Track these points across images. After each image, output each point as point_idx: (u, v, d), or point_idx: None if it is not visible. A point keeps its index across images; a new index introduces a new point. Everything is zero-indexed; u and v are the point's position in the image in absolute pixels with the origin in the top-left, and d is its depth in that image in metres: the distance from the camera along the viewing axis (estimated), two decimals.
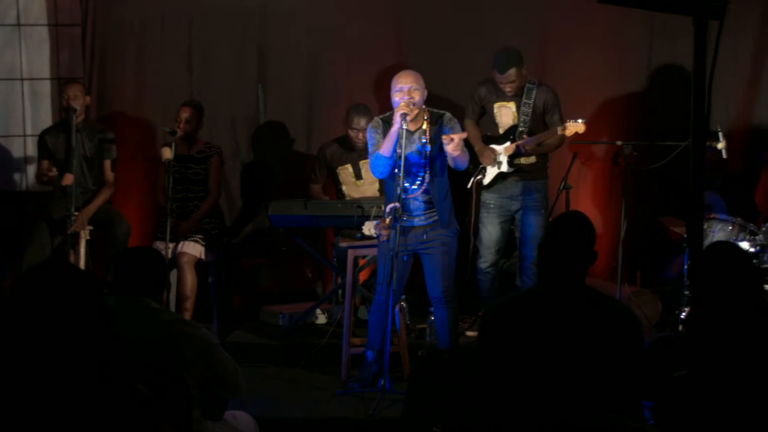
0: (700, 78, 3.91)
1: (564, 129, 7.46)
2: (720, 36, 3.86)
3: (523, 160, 7.70)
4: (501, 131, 7.74)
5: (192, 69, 8.60)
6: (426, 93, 6.62)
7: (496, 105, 7.75)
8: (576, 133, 7.47)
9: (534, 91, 7.64)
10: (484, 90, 7.79)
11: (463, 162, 6.65)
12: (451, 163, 6.62)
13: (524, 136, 7.60)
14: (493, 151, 7.69)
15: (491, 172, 7.72)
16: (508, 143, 7.66)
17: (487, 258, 7.86)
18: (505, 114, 7.73)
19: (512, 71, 7.53)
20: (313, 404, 6.64)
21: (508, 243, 8.06)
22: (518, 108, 7.66)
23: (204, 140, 8.03)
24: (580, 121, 7.44)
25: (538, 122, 7.70)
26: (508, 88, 7.61)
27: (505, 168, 7.68)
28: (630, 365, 3.92)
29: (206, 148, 7.94)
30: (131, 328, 4.21)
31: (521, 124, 7.64)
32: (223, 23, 8.55)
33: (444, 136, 6.48)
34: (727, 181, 8.31)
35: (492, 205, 7.79)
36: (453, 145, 6.41)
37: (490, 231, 7.82)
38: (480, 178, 7.72)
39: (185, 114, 7.83)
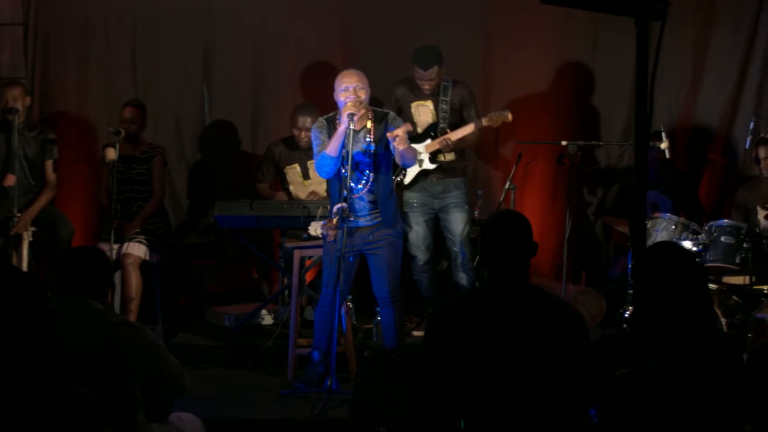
0: (643, 78, 3.94)
1: (489, 120, 7.53)
2: (662, 37, 3.89)
3: (443, 157, 7.73)
4: (419, 130, 7.77)
5: (136, 69, 8.54)
6: (370, 92, 6.63)
7: (413, 104, 7.78)
8: (503, 123, 7.53)
9: (450, 89, 7.70)
10: (400, 91, 7.83)
11: (411, 157, 6.66)
12: (398, 160, 6.61)
13: (448, 131, 7.62)
14: (413, 149, 7.72)
15: (412, 171, 7.75)
16: (428, 141, 7.69)
17: (419, 257, 7.88)
18: (423, 113, 7.76)
19: (435, 68, 7.58)
20: (259, 405, 6.62)
21: (441, 243, 8.06)
22: (436, 106, 7.71)
23: (147, 140, 7.99)
24: (506, 112, 7.52)
25: (456, 119, 7.75)
26: (427, 86, 7.65)
27: (427, 165, 7.71)
28: (575, 364, 3.94)
29: (150, 149, 7.89)
30: (75, 330, 4.17)
31: (441, 121, 7.69)
32: (167, 23, 8.50)
33: (389, 134, 6.49)
34: (672, 181, 8.38)
35: (415, 204, 7.82)
36: (399, 140, 6.43)
37: (416, 230, 7.84)
38: (401, 178, 7.75)
39: (129, 114, 7.78)
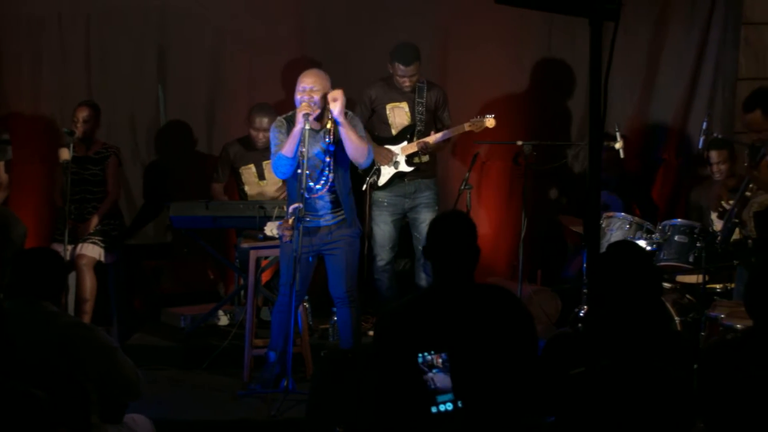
0: (596, 78, 3.96)
1: (472, 125, 7.55)
2: (615, 37, 3.91)
3: (419, 159, 7.74)
4: (394, 132, 7.78)
5: (90, 68, 8.46)
6: (328, 93, 6.59)
7: (388, 106, 7.78)
8: (486, 127, 7.56)
9: (425, 91, 7.72)
10: (374, 91, 7.83)
11: (359, 150, 6.54)
12: (347, 149, 6.53)
13: (433, 132, 7.63)
14: (390, 151, 7.73)
15: (387, 173, 7.76)
16: (404, 143, 7.70)
17: (382, 256, 7.88)
18: (398, 114, 7.77)
19: (416, 64, 7.61)
20: (215, 406, 6.61)
21: (405, 242, 8.08)
22: (411, 108, 7.72)
23: (102, 141, 7.94)
24: (489, 117, 7.55)
25: (430, 121, 7.77)
26: (407, 83, 7.65)
27: (404, 167, 7.72)
28: (526, 360, 3.96)
29: (104, 149, 7.85)
30: (28, 331, 4.15)
31: (418, 123, 7.70)
32: (122, 21, 8.43)
33: (328, 95, 6.46)
34: (625, 181, 8.43)
35: (385, 203, 7.82)
36: (335, 104, 6.40)
37: (383, 229, 7.85)
38: (374, 180, 7.75)
39: (83, 114, 7.73)
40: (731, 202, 6.76)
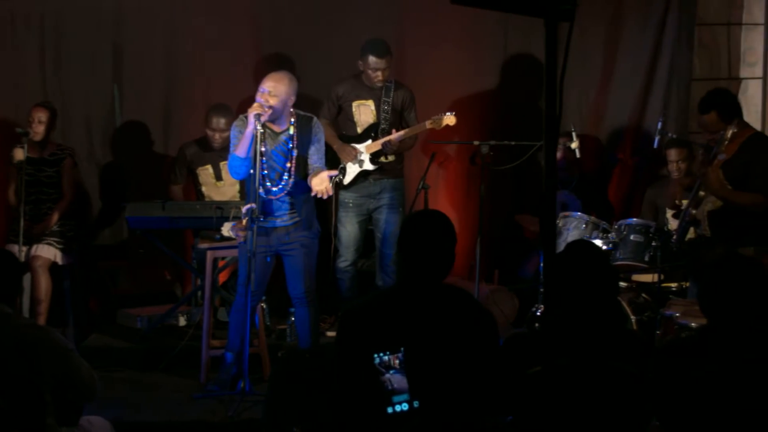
0: (552, 78, 3.99)
1: (434, 122, 7.56)
2: (570, 37, 3.94)
3: (384, 158, 7.75)
4: (359, 130, 7.78)
5: (45, 68, 8.39)
6: (288, 97, 6.56)
7: (354, 103, 7.78)
8: (447, 125, 7.57)
9: (392, 90, 7.72)
10: (341, 89, 7.83)
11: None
12: (309, 181, 6.64)
13: (394, 131, 7.64)
14: (354, 148, 7.73)
15: (352, 171, 7.75)
16: (369, 141, 7.70)
17: (346, 257, 7.88)
18: (364, 112, 7.77)
19: (389, 57, 7.63)
20: (171, 407, 6.58)
21: (367, 242, 8.09)
22: (377, 106, 7.71)
23: (56, 142, 7.89)
24: (450, 114, 7.56)
25: (396, 121, 7.77)
26: (380, 77, 7.65)
27: (367, 166, 7.72)
28: (486, 362, 3.97)
29: (59, 150, 7.80)
30: None
31: (383, 122, 7.70)
32: (76, 21, 8.36)
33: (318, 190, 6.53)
34: (582, 181, 8.48)
35: (351, 204, 7.82)
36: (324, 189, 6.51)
37: (348, 230, 7.85)
38: (339, 178, 7.75)
39: (39, 115, 7.68)
40: (686, 201, 6.82)
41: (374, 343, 3.91)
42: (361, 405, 3.91)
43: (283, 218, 6.68)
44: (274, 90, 6.51)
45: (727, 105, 6.61)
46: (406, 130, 7.67)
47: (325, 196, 6.58)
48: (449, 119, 7.59)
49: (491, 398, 3.98)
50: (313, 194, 6.58)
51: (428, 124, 7.61)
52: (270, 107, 6.46)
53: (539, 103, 8.54)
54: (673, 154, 7.75)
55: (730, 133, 6.41)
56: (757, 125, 8.73)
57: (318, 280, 6.99)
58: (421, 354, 3.89)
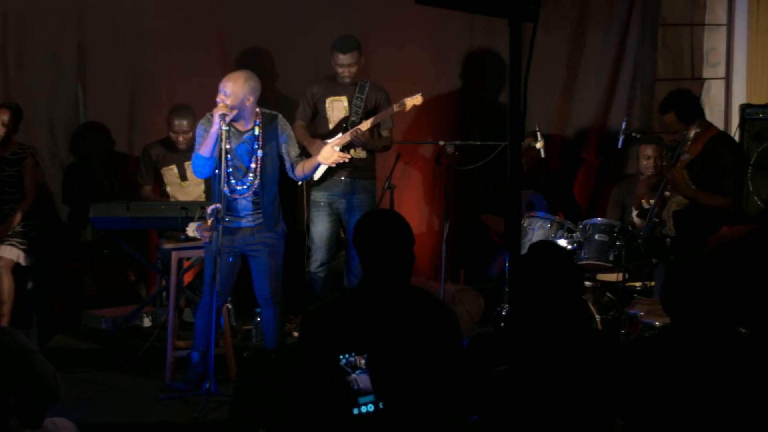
0: (516, 78, 4.00)
1: (401, 105, 7.55)
2: (534, 37, 3.95)
3: (353, 153, 7.73)
4: (331, 126, 7.77)
5: (7, 68, 8.32)
6: (245, 96, 6.55)
7: (328, 100, 7.77)
8: (414, 105, 7.58)
9: (366, 88, 7.72)
10: (315, 87, 7.82)
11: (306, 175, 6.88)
12: (298, 173, 6.74)
13: (363, 121, 7.63)
14: (323, 143, 7.72)
15: (322, 167, 7.74)
16: (339, 135, 7.69)
17: (317, 257, 7.86)
18: (337, 108, 7.76)
19: (355, 53, 7.62)
20: (137, 408, 6.56)
21: (337, 243, 8.09)
22: (350, 102, 7.71)
23: (17, 141, 7.83)
24: (416, 94, 7.55)
25: (369, 118, 7.76)
26: (346, 73, 7.65)
27: None
28: (449, 363, 3.98)
29: (20, 150, 7.75)
30: None
31: (353, 115, 7.68)
32: (39, 21, 8.30)
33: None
34: (549, 180, 8.51)
35: (322, 203, 7.81)
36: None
37: (320, 230, 7.83)
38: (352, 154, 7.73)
39: (2, 116, 7.63)
40: (652, 201, 6.86)
41: (336, 344, 3.91)
42: (324, 406, 3.91)
43: (247, 219, 6.68)
44: (230, 90, 6.50)
45: (686, 105, 6.65)
46: (376, 115, 7.65)
47: (341, 160, 6.92)
48: (416, 99, 7.57)
49: (456, 398, 3.99)
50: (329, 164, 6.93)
51: (396, 108, 7.60)
52: (233, 107, 6.47)
53: (504, 103, 8.58)
54: (649, 150, 7.78)
55: (692, 133, 6.46)
56: (720, 125, 8.80)
57: (289, 280, 6.99)
58: (385, 355, 3.90)
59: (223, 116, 6.39)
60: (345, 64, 7.63)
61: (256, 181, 6.62)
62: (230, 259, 6.60)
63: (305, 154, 7.16)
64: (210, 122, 6.54)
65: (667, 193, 6.71)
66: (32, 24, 8.29)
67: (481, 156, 7.91)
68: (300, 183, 7.76)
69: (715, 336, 3.92)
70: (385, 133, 7.82)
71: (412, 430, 3.73)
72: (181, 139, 7.76)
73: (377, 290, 4.03)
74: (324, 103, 7.79)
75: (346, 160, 6.98)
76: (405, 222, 4.19)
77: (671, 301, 4.03)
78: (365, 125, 7.56)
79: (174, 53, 8.48)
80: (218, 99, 6.50)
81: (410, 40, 8.66)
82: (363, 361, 3.88)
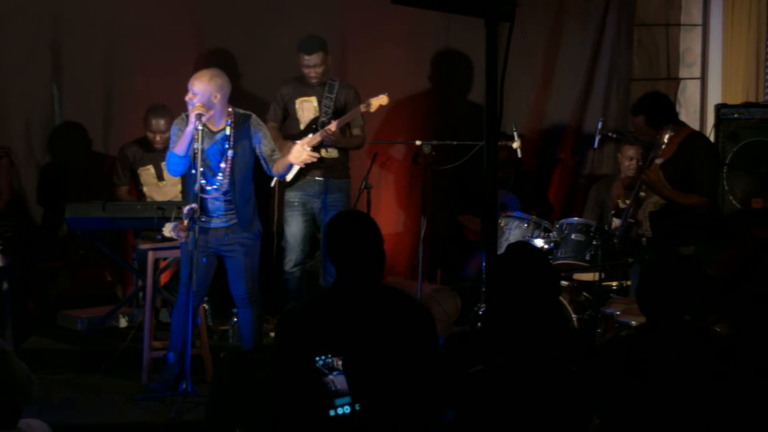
0: (493, 79, 4.01)
1: (367, 105, 7.56)
2: (510, 37, 3.96)
3: (325, 153, 7.73)
4: (302, 126, 7.78)
5: None
6: (212, 94, 6.54)
7: (297, 100, 7.78)
8: (381, 105, 7.57)
9: (336, 87, 7.73)
10: (285, 88, 7.83)
11: (282, 174, 6.88)
12: (275, 171, 6.73)
13: (333, 121, 7.63)
14: (294, 144, 7.72)
15: (294, 167, 7.74)
16: (310, 135, 7.69)
17: (291, 257, 7.86)
18: (307, 108, 7.76)
19: (320, 54, 7.62)
20: (113, 409, 6.54)
21: (313, 243, 8.08)
22: (320, 102, 7.71)
23: None
24: (382, 94, 7.55)
25: (339, 117, 7.76)
26: (312, 74, 7.65)
27: None
28: (425, 362, 3.98)
29: None
30: None
31: (323, 115, 7.69)
32: (14, 20, 8.26)
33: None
34: (522, 180, 8.52)
35: (295, 204, 7.80)
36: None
37: (294, 230, 7.83)
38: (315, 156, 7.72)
39: None
40: (628, 201, 6.87)
41: (312, 344, 3.91)
42: (301, 407, 3.91)
43: (221, 219, 6.66)
44: (198, 89, 6.51)
45: (655, 111, 6.62)
46: (345, 115, 7.66)
47: (311, 159, 6.83)
48: (381, 99, 7.58)
49: (432, 396, 3.99)
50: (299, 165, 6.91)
51: (362, 108, 7.61)
52: (210, 107, 6.47)
53: (481, 102, 8.59)
54: (631, 151, 7.81)
55: (666, 137, 6.46)
56: (695, 125, 8.85)
57: (262, 281, 6.97)
58: (360, 355, 3.90)
59: (199, 116, 6.39)
60: (311, 65, 7.64)
61: (226, 181, 6.61)
62: (204, 259, 6.58)
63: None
64: (185, 122, 6.55)
65: (642, 194, 6.72)
66: (7, 24, 8.26)
67: (458, 156, 7.91)
68: (273, 184, 7.76)
69: (690, 335, 3.94)
70: (356, 131, 7.84)
71: (388, 430, 3.73)
72: (158, 138, 7.74)
73: (350, 290, 4.04)
74: (294, 104, 7.79)
75: (315, 159, 6.96)
76: (372, 221, 4.20)
77: (646, 300, 4.05)
78: (334, 125, 7.58)
79: (150, 53, 8.45)
80: (187, 98, 6.50)
81: (387, 40, 8.66)
82: (340, 362, 3.87)
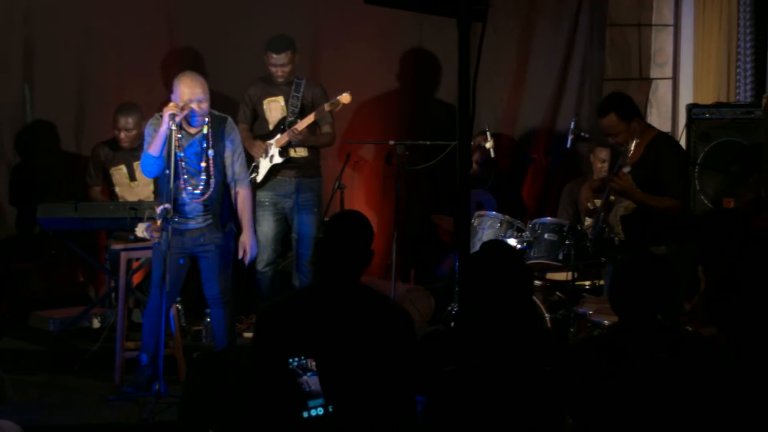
0: (465, 79, 4.01)
1: (331, 104, 7.58)
2: (483, 37, 3.97)
3: (294, 153, 7.73)
4: (271, 127, 7.79)
5: None
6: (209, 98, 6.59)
7: (265, 101, 7.79)
8: (343, 104, 7.60)
9: (302, 86, 7.74)
10: (253, 90, 7.84)
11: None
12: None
13: (298, 120, 7.64)
14: (263, 143, 7.72)
15: (264, 167, 7.75)
16: (278, 135, 7.69)
17: (263, 257, 7.85)
18: (274, 109, 7.78)
19: (288, 53, 7.64)
20: (86, 410, 6.52)
21: (285, 242, 8.08)
22: (287, 102, 7.72)
23: None
24: (344, 93, 7.57)
25: (307, 115, 7.76)
26: (279, 72, 7.67)
27: (277, 159, 7.71)
28: (403, 361, 3.98)
29: None
30: None
31: (290, 115, 7.70)
32: None
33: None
34: (497, 179, 8.54)
35: (267, 203, 7.80)
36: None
37: (265, 229, 7.82)
38: (254, 177, 7.72)
39: None
40: (597, 202, 6.89)
41: (290, 343, 3.90)
42: (276, 406, 3.90)
43: (197, 220, 6.65)
44: (203, 95, 6.53)
45: (624, 104, 6.64)
46: (309, 115, 7.67)
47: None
48: (344, 98, 7.61)
49: (408, 396, 3.99)
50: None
51: (327, 107, 7.63)
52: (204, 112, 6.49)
53: (454, 102, 8.59)
54: (603, 154, 7.86)
55: (632, 145, 6.47)
56: (667, 125, 8.90)
57: (235, 281, 6.96)
58: (336, 356, 3.90)
59: (172, 116, 6.37)
60: (278, 63, 7.66)
61: (206, 181, 6.60)
62: (181, 261, 6.57)
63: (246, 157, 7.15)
64: (159, 122, 6.53)
65: (612, 198, 6.73)
66: None
67: (432, 155, 7.93)
68: None
69: (661, 334, 3.96)
70: (326, 128, 7.84)
71: (362, 427, 3.73)
72: (123, 136, 7.71)
73: (331, 290, 4.03)
74: (262, 104, 7.81)
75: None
76: (367, 221, 4.18)
77: (619, 300, 4.06)
78: (300, 125, 7.59)
79: (122, 53, 8.42)
80: (194, 107, 6.48)
81: (359, 40, 8.66)
82: (314, 363, 3.87)
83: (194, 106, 6.49)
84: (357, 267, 4.08)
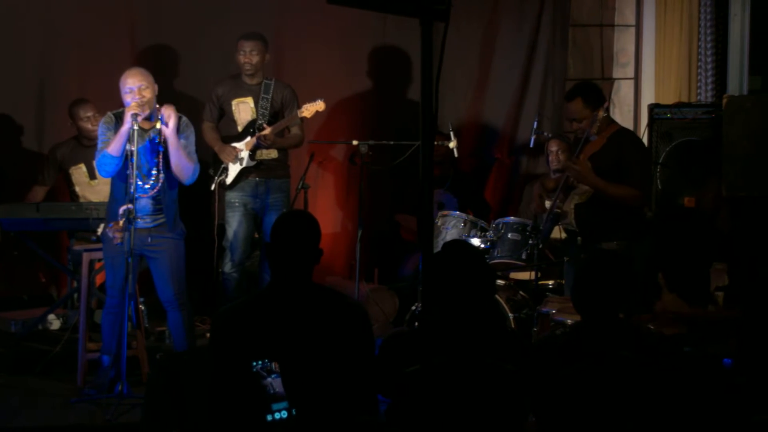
0: (428, 78, 4.02)
1: (302, 111, 7.58)
2: (446, 37, 3.98)
3: (264, 155, 7.72)
4: (240, 128, 7.77)
5: None
6: (156, 89, 6.55)
7: (234, 102, 7.77)
8: (317, 111, 7.62)
9: (272, 87, 7.73)
10: (221, 89, 7.81)
11: (183, 169, 6.57)
12: (172, 166, 6.55)
13: (265, 126, 7.63)
14: (234, 148, 7.70)
15: (233, 170, 7.72)
16: (248, 138, 7.67)
17: (233, 258, 7.82)
18: (244, 110, 7.76)
19: (258, 43, 7.66)
20: (47, 412, 6.46)
21: (251, 243, 8.06)
22: (256, 103, 7.70)
23: None
24: (318, 100, 7.57)
25: (277, 118, 7.77)
26: (248, 62, 7.66)
27: (247, 163, 7.70)
28: (361, 360, 3.99)
29: None
30: None
31: (260, 118, 7.69)
32: None
33: (164, 112, 6.49)
34: (459, 179, 8.56)
35: (236, 204, 7.78)
36: (171, 123, 6.46)
37: (235, 230, 7.80)
38: (223, 178, 7.71)
39: None
40: (548, 202, 6.93)
41: (247, 346, 3.90)
42: (237, 410, 3.89)
43: (145, 219, 6.57)
44: (144, 82, 6.49)
45: (590, 91, 6.71)
46: (280, 121, 7.67)
47: (172, 121, 6.50)
48: (318, 105, 7.62)
49: (368, 396, 4.00)
50: (166, 120, 6.51)
51: (299, 113, 7.63)
52: (146, 103, 6.42)
53: (418, 102, 8.61)
54: (553, 145, 7.88)
55: (601, 114, 6.53)
56: (629, 125, 8.96)
57: (201, 282, 6.94)
58: (295, 357, 3.90)
59: (135, 116, 6.33)
60: (247, 50, 7.67)
61: (161, 175, 6.55)
62: (129, 259, 6.50)
63: (216, 160, 7.10)
64: (112, 121, 6.52)
65: (572, 180, 6.74)
66: None
67: (395, 155, 7.94)
68: (213, 187, 7.74)
69: (623, 333, 3.98)
70: (294, 129, 7.84)
71: (323, 427, 3.73)
72: (89, 126, 7.66)
73: (285, 291, 4.03)
74: (230, 105, 7.78)
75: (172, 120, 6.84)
76: (313, 221, 4.19)
77: (581, 299, 4.09)
78: (269, 130, 7.58)
79: (84, 51, 8.37)
80: (133, 97, 6.43)
81: (323, 40, 8.66)
82: (277, 365, 3.87)
83: (128, 97, 6.45)
84: (306, 266, 4.09)
